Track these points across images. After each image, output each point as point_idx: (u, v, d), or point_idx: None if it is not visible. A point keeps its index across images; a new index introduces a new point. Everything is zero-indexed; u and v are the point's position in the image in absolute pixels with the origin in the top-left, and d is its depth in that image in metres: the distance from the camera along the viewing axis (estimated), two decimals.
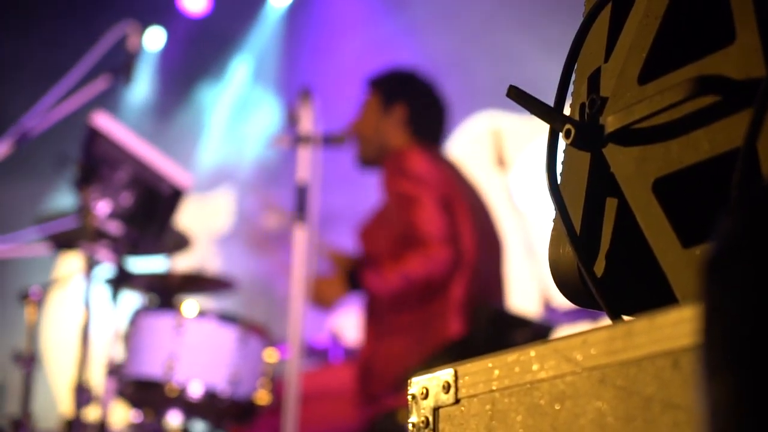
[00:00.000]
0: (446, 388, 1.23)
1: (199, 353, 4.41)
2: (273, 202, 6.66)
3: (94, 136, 4.48)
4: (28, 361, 4.72)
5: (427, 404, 1.26)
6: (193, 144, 8.40)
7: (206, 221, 8.50)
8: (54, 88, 5.21)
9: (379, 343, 4.54)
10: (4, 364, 6.27)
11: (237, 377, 4.41)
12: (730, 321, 0.68)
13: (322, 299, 4.57)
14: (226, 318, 4.56)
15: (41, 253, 5.23)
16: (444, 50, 7.15)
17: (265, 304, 7.53)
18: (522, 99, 1.34)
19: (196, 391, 4.36)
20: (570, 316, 4.77)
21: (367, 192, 5.46)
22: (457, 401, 1.22)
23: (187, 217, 8.08)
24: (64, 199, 5.26)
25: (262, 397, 4.52)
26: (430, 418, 1.25)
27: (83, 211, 4.47)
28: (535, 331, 4.13)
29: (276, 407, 4.43)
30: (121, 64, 5.12)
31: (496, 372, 1.18)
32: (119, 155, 4.49)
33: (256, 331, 4.58)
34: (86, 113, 4.66)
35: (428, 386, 1.26)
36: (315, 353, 6.06)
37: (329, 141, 4.46)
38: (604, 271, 1.29)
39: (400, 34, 7.65)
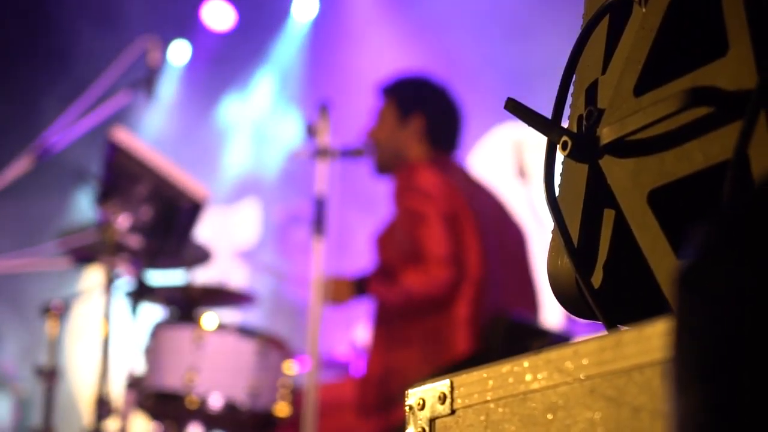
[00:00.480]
0: (442, 398, 1.24)
1: (218, 366, 4.43)
2: (300, 213, 6.69)
3: (114, 151, 4.51)
4: (50, 374, 4.76)
5: (424, 415, 1.26)
6: (217, 157, 8.43)
7: (231, 234, 8.53)
8: (76, 104, 5.25)
9: (388, 354, 4.55)
10: (26, 378, 6.30)
11: (256, 389, 4.42)
12: (699, 336, 0.68)
13: (333, 297, 4.59)
14: (246, 331, 4.58)
15: (62, 267, 5.27)
16: (466, 62, 7.16)
17: (288, 316, 7.54)
18: (519, 111, 1.35)
19: (216, 403, 4.38)
20: (592, 327, 4.76)
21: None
22: (452, 412, 1.23)
23: (211, 230, 8.12)
24: (84, 213, 5.29)
25: (282, 409, 4.53)
26: (427, 429, 1.26)
27: (104, 225, 4.50)
28: (553, 342, 4.11)
29: (296, 419, 4.44)
30: (142, 79, 5.15)
31: (491, 382, 1.19)
32: (138, 170, 4.52)
33: (276, 343, 4.60)
34: (107, 128, 4.69)
35: (425, 397, 1.27)
36: (337, 366, 6.07)
37: (348, 154, 4.48)
38: (602, 282, 1.30)
39: (423, 46, 7.67)
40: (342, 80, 7.90)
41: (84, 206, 5.08)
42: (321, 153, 4.25)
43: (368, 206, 6.88)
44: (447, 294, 4.43)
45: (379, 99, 5.00)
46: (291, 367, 4.64)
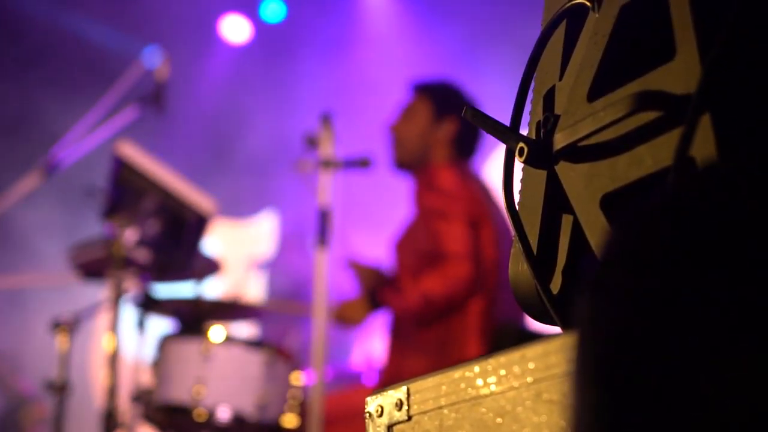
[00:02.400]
0: (399, 405, 1.25)
1: (226, 378, 4.44)
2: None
3: (120, 165, 4.53)
4: (60, 389, 4.78)
5: (382, 422, 1.27)
6: (232, 169, 8.45)
7: (247, 247, 8.55)
8: (84, 118, 5.29)
9: (401, 363, 4.56)
10: (40, 395, 6.33)
11: (264, 401, 4.43)
12: (595, 341, 0.69)
13: (347, 320, 4.61)
14: (253, 343, 4.59)
15: (71, 281, 5.29)
16: (483, 71, 7.18)
17: (302, 328, 7.55)
18: (477, 119, 1.36)
19: (223, 415, 4.39)
20: None
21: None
22: (409, 418, 1.24)
23: (227, 243, 8.15)
24: (93, 228, 5.32)
25: (290, 421, 4.54)
26: None
27: (111, 239, 4.52)
28: None
29: (304, 430, 4.45)
30: (151, 94, 5.17)
31: (444, 388, 1.19)
32: (145, 184, 4.54)
33: (283, 355, 4.61)
34: (116, 143, 4.72)
35: (383, 404, 1.28)
36: (349, 376, 6.08)
37: (353, 164, 4.49)
38: (561, 287, 1.30)
39: (429, 58, 7.68)
40: (345, 90, 7.92)
41: (92, 221, 5.10)
42: (324, 164, 4.27)
43: (374, 217, 6.89)
44: (468, 290, 4.43)
45: (410, 96, 4.99)
46: (299, 379, 4.65)
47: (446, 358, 4.41)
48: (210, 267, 5.04)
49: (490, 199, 4.82)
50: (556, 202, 1.31)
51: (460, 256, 4.42)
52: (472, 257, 4.44)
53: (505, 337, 4.38)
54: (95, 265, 4.81)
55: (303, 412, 4.58)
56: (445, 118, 4.85)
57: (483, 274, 4.51)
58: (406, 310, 4.48)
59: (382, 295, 4.56)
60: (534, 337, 4.41)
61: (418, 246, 4.62)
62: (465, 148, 4.90)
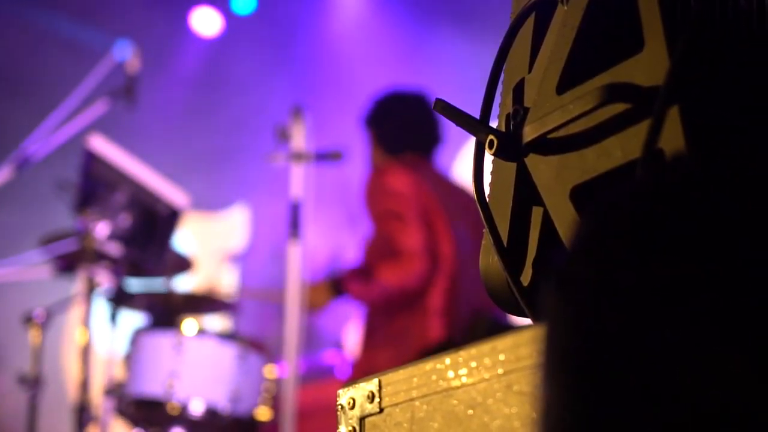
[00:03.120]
0: (371, 397, 1.25)
1: (199, 371, 4.43)
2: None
3: (91, 159, 4.52)
4: (33, 383, 4.76)
5: (354, 414, 1.27)
6: (207, 162, 8.42)
7: (220, 240, 8.53)
8: (54, 112, 5.26)
9: (371, 355, 4.59)
10: (9, 387, 6.30)
11: (237, 394, 4.43)
12: (561, 332, 0.70)
13: (312, 303, 4.64)
14: (226, 336, 4.59)
15: (43, 275, 5.27)
16: (457, 63, 7.19)
17: (277, 321, 7.54)
18: (447, 111, 1.36)
19: (197, 409, 4.38)
20: None
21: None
22: (381, 410, 1.24)
23: (199, 236, 8.13)
24: (64, 222, 5.30)
25: (264, 414, 4.54)
26: (357, 428, 1.27)
27: (83, 233, 4.51)
28: None
29: (277, 423, 4.45)
30: (121, 87, 5.15)
31: (415, 380, 1.20)
32: (116, 177, 4.53)
33: (256, 347, 4.61)
34: (87, 137, 4.70)
35: (355, 396, 1.28)
36: (322, 369, 6.08)
37: (324, 157, 4.49)
38: (531, 279, 1.31)
39: (406, 50, 7.69)
40: (316, 82, 7.92)
41: (64, 215, 5.07)
42: (296, 156, 4.26)
43: (347, 210, 6.90)
44: (422, 285, 4.50)
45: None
46: (272, 371, 4.65)
47: (411, 346, 4.45)
48: (181, 264, 5.03)
49: (446, 191, 4.85)
50: (526, 194, 1.32)
51: (414, 252, 4.48)
52: (427, 252, 4.50)
53: (478, 329, 4.40)
54: (67, 259, 4.79)
55: (276, 405, 4.59)
56: (369, 132, 4.94)
57: (441, 258, 4.56)
58: (368, 300, 4.55)
59: (344, 282, 4.60)
60: (507, 328, 4.43)
61: (376, 246, 4.67)
62: (396, 146, 4.93)
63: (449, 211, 4.68)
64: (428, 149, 4.99)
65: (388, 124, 4.94)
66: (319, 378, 5.93)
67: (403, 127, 4.93)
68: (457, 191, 4.91)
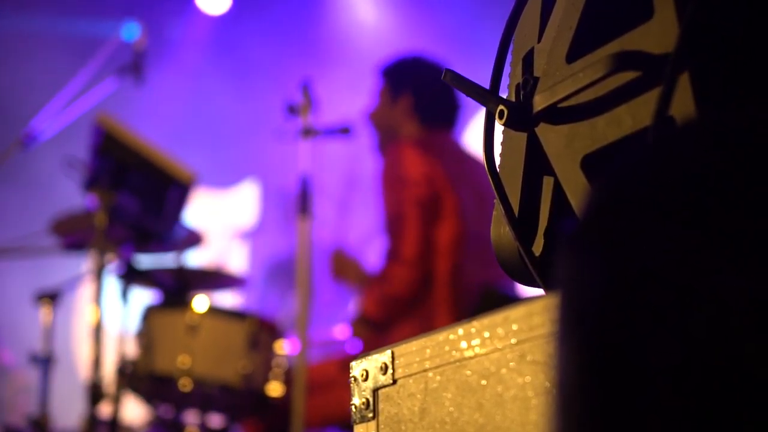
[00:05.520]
0: (384, 369, 1.25)
1: (210, 348, 4.44)
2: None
3: (101, 137, 4.51)
4: (45, 361, 4.78)
5: (367, 386, 1.28)
6: (216, 139, 8.41)
7: (229, 216, 8.54)
8: (63, 91, 5.26)
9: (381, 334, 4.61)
10: (22, 365, 6.33)
11: (249, 370, 4.44)
12: (576, 297, 0.69)
13: (340, 273, 4.70)
14: (237, 313, 4.60)
15: (54, 254, 5.28)
16: (462, 37, 7.17)
17: (288, 297, 7.56)
18: (457, 82, 1.35)
19: (209, 385, 4.40)
20: None
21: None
22: (394, 381, 1.24)
23: (209, 213, 8.13)
24: (74, 200, 5.30)
25: (275, 389, 4.55)
26: (371, 400, 1.27)
27: (93, 211, 4.51)
28: None
29: (289, 398, 4.46)
30: (129, 64, 5.14)
31: (428, 351, 1.20)
32: (126, 155, 4.52)
33: (267, 324, 4.61)
34: (96, 114, 4.70)
35: (368, 368, 1.28)
36: (334, 344, 6.08)
37: (333, 132, 4.48)
38: (543, 249, 1.31)
39: (417, 23, 7.67)
40: (324, 58, 7.90)
41: (73, 193, 5.08)
42: (305, 132, 4.26)
43: (356, 185, 6.90)
44: (412, 292, 4.52)
45: (378, 81, 5.05)
46: (283, 347, 4.66)
47: (421, 326, 4.47)
48: (192, 239, 5.03)
49: (465, 169, 4.83)
50: (536, 164, 1.32)
51: (406, 260, 4.49)
52: (420, 259, 4.51)
53: (486, 303, 4.41)
54: (77, 237, 4.80)
55: (288, 380, 4.60)
56: (400, 94, 4.89)
57: (442, 249, 4.57)
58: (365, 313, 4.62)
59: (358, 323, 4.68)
60: (515, 301, 4.44)
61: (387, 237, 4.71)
62: (432, 119, 4.91)
63: (463, 191, 4.67)
64: (454, 122, 4.99)
65: (429, 92, 4.90)
66: (330, 352, 5.94)
67: (443, 96, 4.91)
68: (477, 166, 4.88)
